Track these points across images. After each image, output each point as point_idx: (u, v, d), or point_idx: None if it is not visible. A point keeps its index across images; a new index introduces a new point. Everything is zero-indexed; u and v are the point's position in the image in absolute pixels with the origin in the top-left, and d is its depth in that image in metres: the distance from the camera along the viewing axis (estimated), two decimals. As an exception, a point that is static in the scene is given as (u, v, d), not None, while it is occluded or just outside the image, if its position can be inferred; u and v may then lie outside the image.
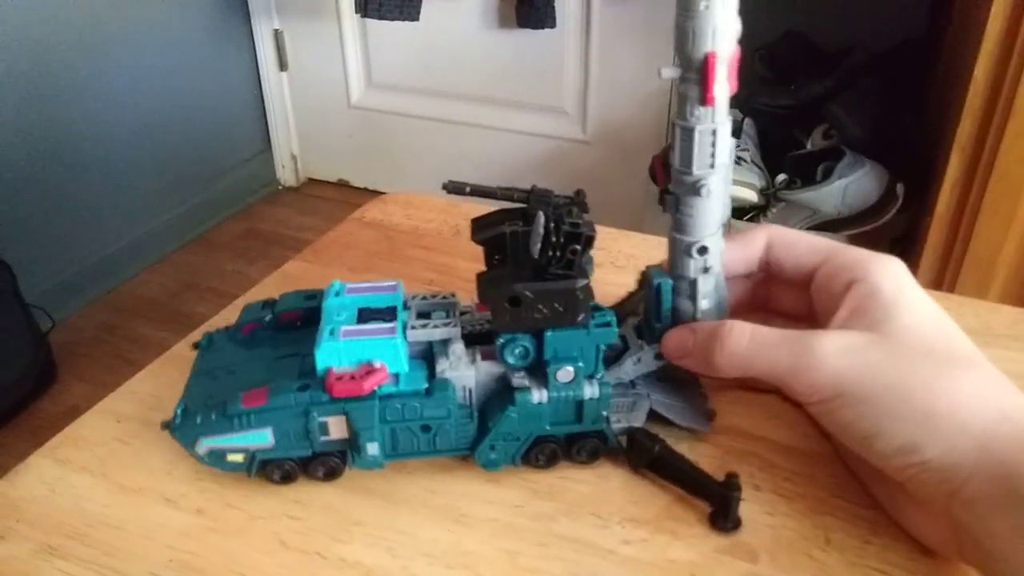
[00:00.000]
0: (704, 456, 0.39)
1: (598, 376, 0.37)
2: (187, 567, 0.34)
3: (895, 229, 1.42)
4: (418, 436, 0.37)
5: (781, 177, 1.43)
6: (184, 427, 0.36)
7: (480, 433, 0.37)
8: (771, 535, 0.35)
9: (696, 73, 0.32)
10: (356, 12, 1.82)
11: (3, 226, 1.61)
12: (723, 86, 0.32)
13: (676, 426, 0.40)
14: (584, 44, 1.90)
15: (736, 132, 1.53)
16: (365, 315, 0.37)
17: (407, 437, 0.37)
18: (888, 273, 0.35)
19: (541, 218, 0.33)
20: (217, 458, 0.37)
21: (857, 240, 1.40)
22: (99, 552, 0.34)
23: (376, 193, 2.33)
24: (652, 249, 0.57)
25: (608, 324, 0.36)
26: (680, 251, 0.37)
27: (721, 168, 0.34)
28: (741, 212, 1.43)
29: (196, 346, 0.42)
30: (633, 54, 1.86)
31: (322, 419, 0.36)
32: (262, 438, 0.36)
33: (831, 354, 0.33)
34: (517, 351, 0.36)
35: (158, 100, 1.97)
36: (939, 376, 0.32)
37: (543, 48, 1.92)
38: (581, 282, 0.34)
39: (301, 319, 0.41)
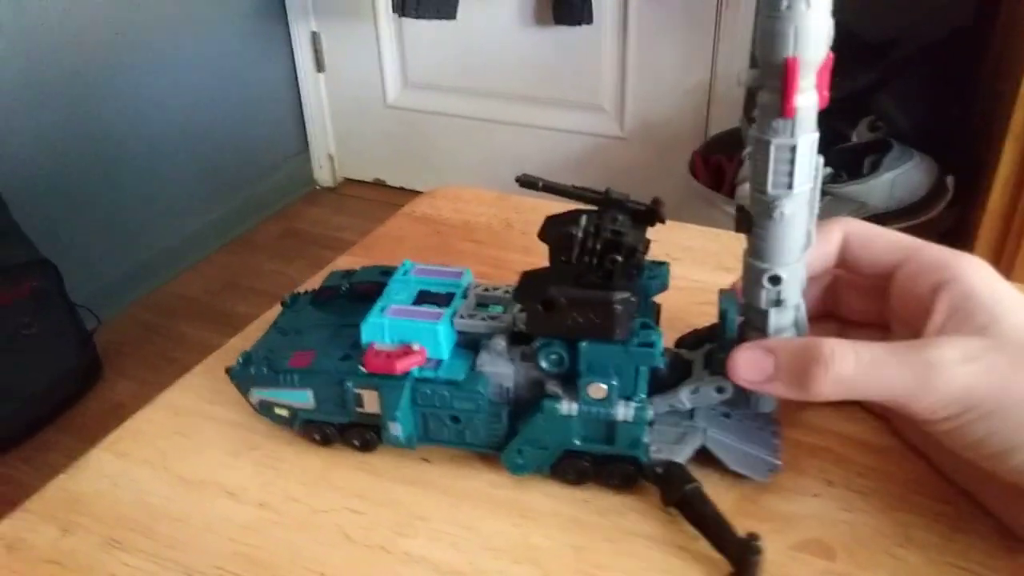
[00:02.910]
0: (773, 451, 0.38)
1: (636, 398, 0.34)
2: (251, 560, 0.33)
3: (944, 223, 1.39)
4: (448, 425, 0.36)
5: (827, 170, 1.40)
6: (242, 375, 0.39)
7: (511, 434, 0.36)
8: (848, 531, 0.34)
9: (777, 80, 0.28)
10: (394, 12, 1.83)
11: (50, 228, 1.64)
12: (808, 96, 0.28)
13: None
14: (621, 40, 1.88)
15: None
16: (423, 297, 0.38)
17: (437, 424, 0.37)
18: (980, 273, 0.33)
19: (583, 221, 0.32)
20: (266, 409, 0.39)
21: (906, 233, 1.36)
22: (162, 545, 0.34)
23: (413, 192, 2.35)
24: (709, 242, 0.55)
25: (651, 344, 0.33)
26: (752, 278, 0.33)
27: (802, 191, 0.30)
28: (785, 207, 1.40)
29: (283, 303, 0.44)
30: (671, 50, 1.84)
31: (356, 391, 0.36)
32: (304, 398, 0.38)
33: (954, 364, 0.30)
34: (552, 357, 0.34)
35: (198, 103, 2.00)
36: None
37: (580, 45, 1.91)
38: (620, 295, 0.32)
39: (376, 292, 0.40)
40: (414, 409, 0.36)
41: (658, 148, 1.96)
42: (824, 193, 1.28)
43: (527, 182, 0.34)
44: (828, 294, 0.40)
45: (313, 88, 2.32)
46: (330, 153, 2.42)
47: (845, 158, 1.41)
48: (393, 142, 2.33)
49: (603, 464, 0.36)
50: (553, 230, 0.33)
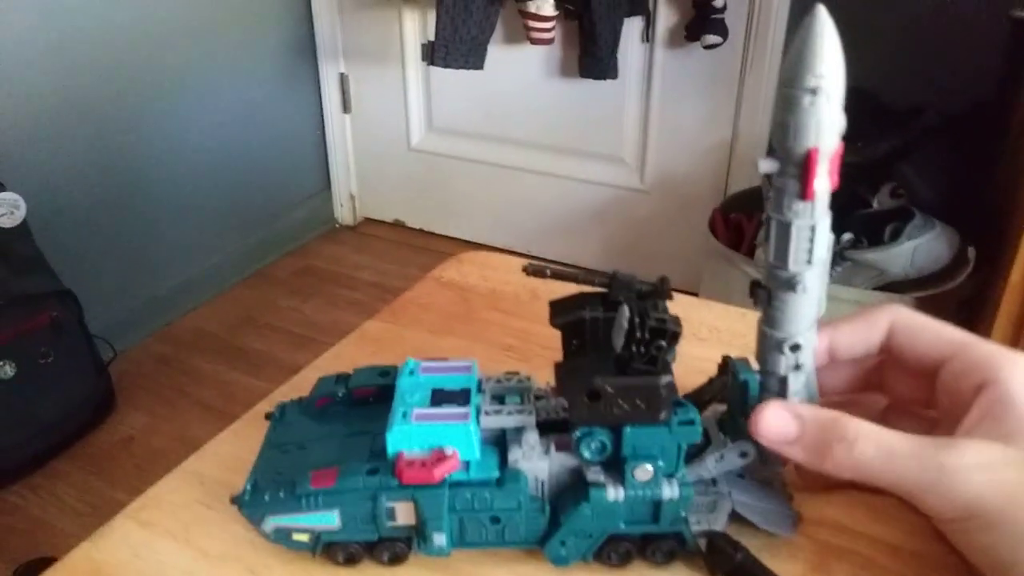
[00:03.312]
0: (799, 553, 0.37)
1: (678, 475, 0.35)
2: (271, 646, 0.33)
3: (964, 293, 1.38)
4: (487, 527, 0.36)
5: (847, 236, 1.40)
6: (253, 504, 0.36)
7: (551, 526, 0.36)
8: (877, 645, 0.33)
9: (796, 167, 0.31)
10: (423, 60, 1.86)
11: (72, 258, 1.66)
12: (824, 181, 0.31)
13: (757, 528, 0.37)
14: (645, 95, 1.91)
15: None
16: (439, 397, 0.36)
17: (475, 527, 0.36)
18: (1020, 377, 0.33)
19: (626, 311, 0.33)
20: (283, 536, 0.36)
21: (925, 302, 1.36)
22: (182, 623, 0.34)
23: (431, 235, 2.37)
24: (735, 322, 0.55)
25: (691, 422, 0.34)
26: (770, 346, 0.35)
27: (818, 264, 0.33)
28: (804, 270, 1.40)
29: (268, 417, 0.41)
30: (693, 108, 1.86)
31: (390, 504, 0.35)
32: (329, 520, 0.35)
33: (967, 471, 0.30)
34: (594, 446, 0.35)
35: (225, 139, 2.03)
36: None
37: (604, 97, 1.93)
38: (665, 379, 0.33)
39: (374, 395, 0.40)
40: (451, 515, 0.35)
41: (678, 203, 1.97)
42: (844, 259, 1.28)
43: (535, 271, 0.35)
44: (873, 375, 0.40)
45: (339, 128, 2.35)
46: (352, 192, 2.44)
47: (866, 224, 1.41)
48: (414, 184, 2.35)
49: (646, 543, 0.36)
50: (561, 317, 0.35)
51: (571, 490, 0.36)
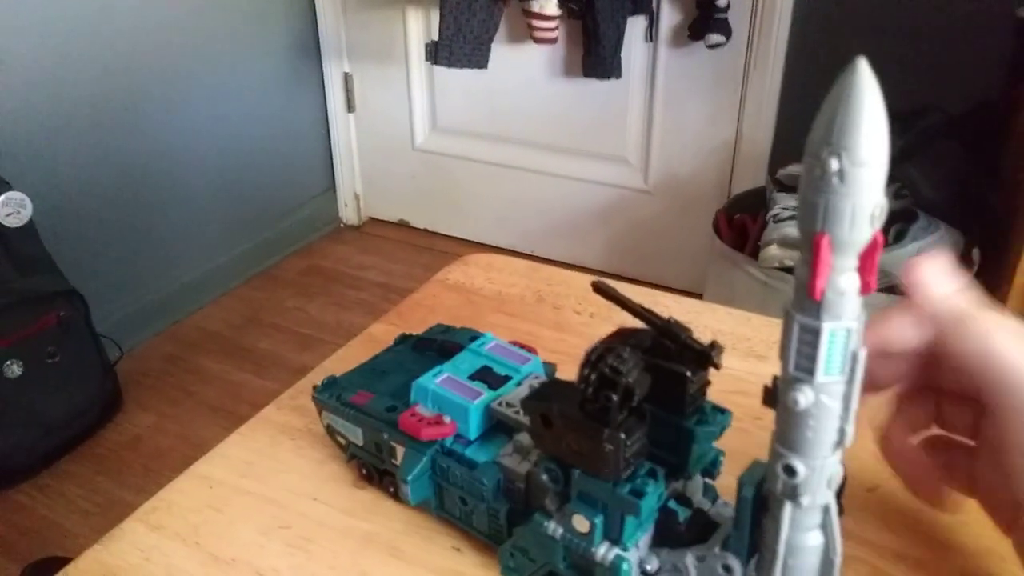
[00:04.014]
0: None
1: (621, 545, 0.32)
2: (280, 648, 0.33)
3: (969, 294, 1.38)
4: (458, 504, 0.37)
5: (851, 237, 1.40)
6: (320, 397, 0.42)
7: (510, 533, 0.35)
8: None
9: (809, 253, 0.25)
10: (426, 59, 1.86)
11: (79, 258, 1.66)
12: (845, 279, 0.25)
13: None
14: (649, 95, 1.91)
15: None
16: (483, 373, 0.38)
17: (451, 499, 0.37)
18: None
19: (596, 349, 0.30)
20: (331, 432, 0.43)
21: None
22: (192, 626, 0.34)
23: (436, 234, 2.37)
24: (739, 326, 0.56)
25: (640, 495, 0.30)
26: (771, 459, 0.29)
27: (829, 382, 0.26)
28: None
29: (396, 342, 0.47)
30: (698, 107, 1.86)
31: (391, 443, 0.38)
32: (356, 434, 0.40)
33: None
34: (550, 471, 0.33)
35: (230, 139, 2.04)
36: None
37: (607, 97, 1.93)
38: (610, 434, 0.29)
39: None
40: (432, 477, 0.37)
41: (682, 203, 1.97)
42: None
43: (602, 289, 0.34)
44: (928, 368, 0.35)
45: (343, 128, 2.35)
46: (356, 192, 2.45)
47: (870, 225, 1.41)
48: (419, 184, 2.35)
49: None
50: (603, 345, 0.32)
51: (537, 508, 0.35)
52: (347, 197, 2.45)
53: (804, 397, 0.26)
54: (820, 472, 0.28)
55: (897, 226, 1.37)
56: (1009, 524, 0.34)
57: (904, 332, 0.34)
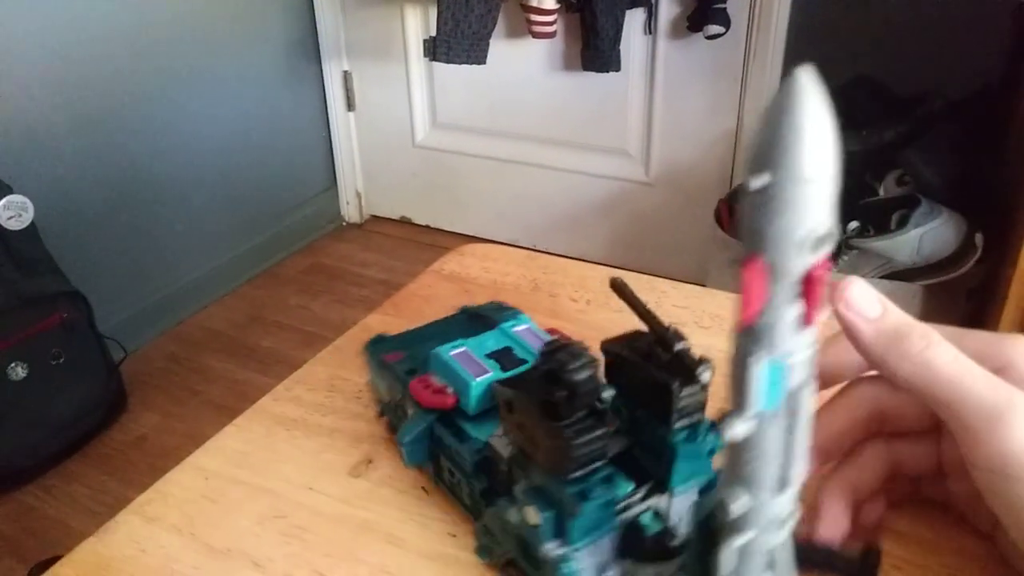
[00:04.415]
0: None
1: (572, 547, 0.31)
2: (275, 636, 0.33)
3: (971, 280, 1.37)
4: (450, 474, 0.37)
5: (853, 224, 1.39)
6: (371, 348, 0.44)
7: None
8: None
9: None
10: (425, 56, 1.86)
11: (81, 259, 1.67)
12: (781, 309, 0.22)
13: None
14: (649, 87, 1.90)
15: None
16: (502, 353, 0.39)
17: (446, 469, 0.38)
18: None
19: (554, 342, 0.30)
20: (372, 387, 0.45)
21: (933, 291, 1.35)
22: (188, 615, 0.34)
23: (438, 231, 2.37)
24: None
25: (584, 496, 0.29)
26: (718, 488, 0.26)
27: (765, 417, 0.23)
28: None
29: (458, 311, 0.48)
30: (698, 98, 1.85)
31: (404, 404, 0.39)
32: (383, 390, 0.42)
33: None
34: (516, 459, 0.32)
35: (231, 138, 2.04)
36: None
37: (607, 90, 1.93)
38: (555, 429, 0.29)
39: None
40: (428, 444, 0.38)
41: (684, 194, 1.97)
42: (850, 248, 1.26)
43: (619, 285, 0.33)
44: (873, 418, 0.35)
45: (343, 126, 2.35)
46: (358, 190, 2.45)
47: (872, 212, 1.41)
48: (420, 181, 2.35)
49: None
50: (608, 344, 0.32)
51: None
52: (349, 195, 2.45)
53: (735, 430, 0.23)
54: (761, 511, 0.25)
55: (900, 212, 1.37)
56: (990, 535, 0.34)
57: (844, 357, 0.33)
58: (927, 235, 1.33)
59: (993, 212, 1.39)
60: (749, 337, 0.22)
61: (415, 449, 0.38)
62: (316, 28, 2.21)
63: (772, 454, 0.24)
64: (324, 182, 2.41)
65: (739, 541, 0.25)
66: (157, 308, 1.92)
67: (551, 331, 0.42)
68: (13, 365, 1.45)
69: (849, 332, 0.31)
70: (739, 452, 0.24)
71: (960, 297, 1.39)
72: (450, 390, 0.37)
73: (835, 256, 1.40)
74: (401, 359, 0.41)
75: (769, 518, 0.25)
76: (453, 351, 0.38)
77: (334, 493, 0.40)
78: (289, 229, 2.29)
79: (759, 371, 0.22)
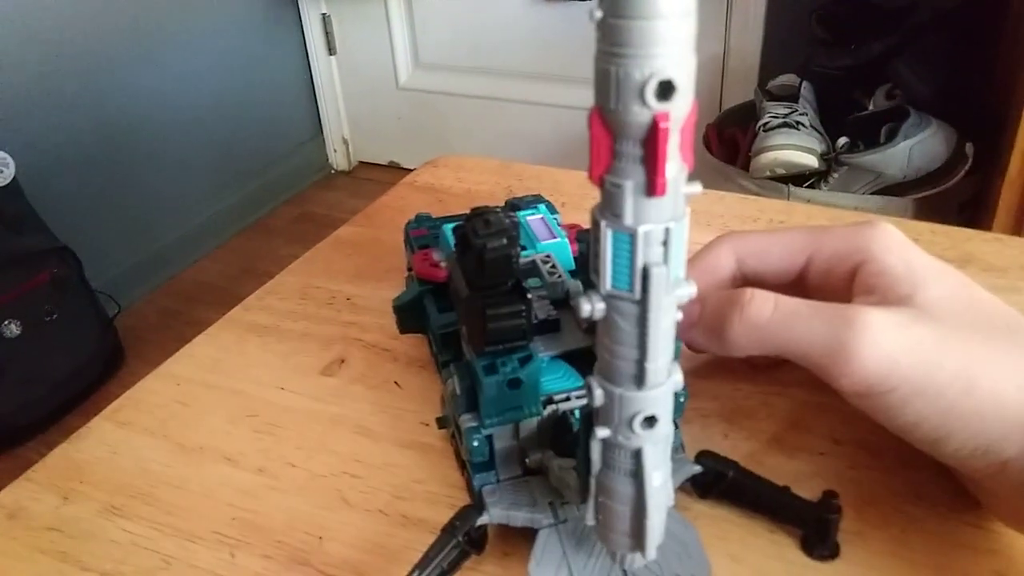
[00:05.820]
0: (778, 412, 0.37)
1: (483, 422, 0.30)
2: (249, 525, 0.33)
3: (964, 192, 1.36)
4: (430, 347, 0.40)
5: (842, 140, 1.38)
6: (409, 225, 0.44)
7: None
8: (856, 489, 0.33)
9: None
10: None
11: (70, 216, 1.65)
12: (623, 168, 0.19)
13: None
14: (633, 14, 1.86)
15: (794, 96, 1.48)
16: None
17: (429, 342, 0.41)
18: (891, 245, 0.30)
19: (478, 208, 0.29)
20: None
21: (924, 203, 1.34)
22: (162, 511, 0.34)
23: (427, 174, 2.35)
24: (713, 204, 0.54)
25: (493, 370, 0.29)
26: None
27: (617, 297, 0.21)
28: (802, 179, 1.38)
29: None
30: (684, 22, 1.81)
31: (425, 301, 0.38)
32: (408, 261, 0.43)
33: (881, 331, 0.27)
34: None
35: (212, 89, 2.00)
36: (998, 355, 0.27)
37: (588, 20, 1.89)
38: (470, 297, 0.28)
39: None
40: (419, 310, 0.38)
41: (672, 123, 1.94)
42: (840, 164, 1.25)
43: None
44: (736, 279, 0.36)
45: (325, 72, 2.31)
46: (345, 137, 2.42)
47: (861, 127, 1.39)
48: (405, 124, 2.32)
49: None
50: (484, 207, 0.31)
51: None
52: (335, 142, 2.42)
53: (586, 306, 0.21)
54: (619, 405, 0.22)
55: (889, 125, 1.35)
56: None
57: (704, 283, 0.33)
58: (917, 147, 1.32)
59: (983, 122, 1.37)
60: (599, 205, 0.20)
61: (406, 316, 0.38)
62: (291, -30, 2.16)
63: (626, 344, 0.21)
64: (310, 130, 2.38)
65: (600, 434, 0.23)
66: (149, 263, 1.91)
67: (570, 226, 0.41)
68: (7, 323, 1.45)
69: (682, 334, 0.31)
70: (598, 338, 0.23)
71: (952, 211, 1.38)
72: (443, 264, 0.37)
73: (825, 174, 1.39)
74: (425, 235, 0.42)
75: (627, 416, 0.23)
76: (455, 234, 0.38)
77: (306, 391, 0.40)
78: (277, 179, 2.26)
79: (606, 239, 0.20)
